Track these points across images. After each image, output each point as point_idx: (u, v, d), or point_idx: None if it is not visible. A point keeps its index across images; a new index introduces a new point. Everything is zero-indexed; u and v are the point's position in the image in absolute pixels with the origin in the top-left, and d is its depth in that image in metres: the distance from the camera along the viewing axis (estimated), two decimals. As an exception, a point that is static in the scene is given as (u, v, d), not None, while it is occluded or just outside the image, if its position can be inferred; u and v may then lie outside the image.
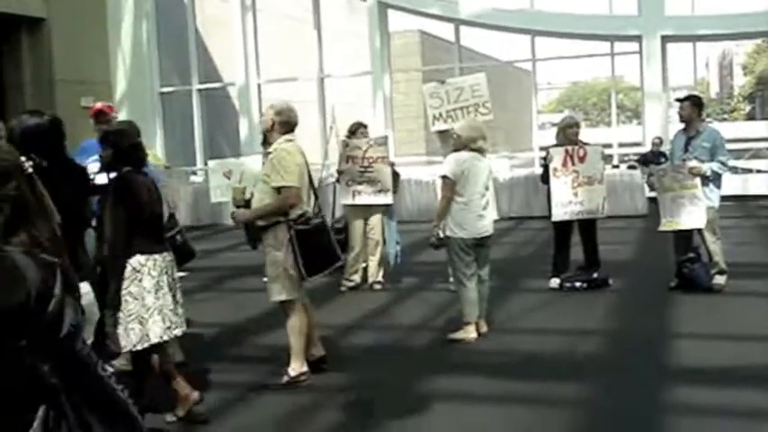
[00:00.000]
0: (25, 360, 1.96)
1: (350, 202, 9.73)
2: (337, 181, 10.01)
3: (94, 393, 2.17)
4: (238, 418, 5.49)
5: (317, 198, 6.35)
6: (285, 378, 5.98)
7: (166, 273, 5.05)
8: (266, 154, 6.15)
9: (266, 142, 6.29)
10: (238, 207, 6.19)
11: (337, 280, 9.78)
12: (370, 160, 9.49)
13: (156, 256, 4.99)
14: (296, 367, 5.99)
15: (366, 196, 9.53)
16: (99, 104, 7.36)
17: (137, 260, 4.89)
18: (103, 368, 2.22)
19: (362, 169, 9.51)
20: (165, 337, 5.02)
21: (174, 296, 5.10)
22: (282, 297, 6.01)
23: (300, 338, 6.05)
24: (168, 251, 5.20)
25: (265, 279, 10.23)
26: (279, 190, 5.88)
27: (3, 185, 2.10)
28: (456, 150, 7.19)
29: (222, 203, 11.98)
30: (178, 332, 5.18)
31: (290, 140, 6.04)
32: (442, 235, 7.10)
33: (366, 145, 9.61)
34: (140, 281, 4.89)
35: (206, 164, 20.90)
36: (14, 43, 18.40)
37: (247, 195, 6.19)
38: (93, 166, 7.19)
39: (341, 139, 10.65)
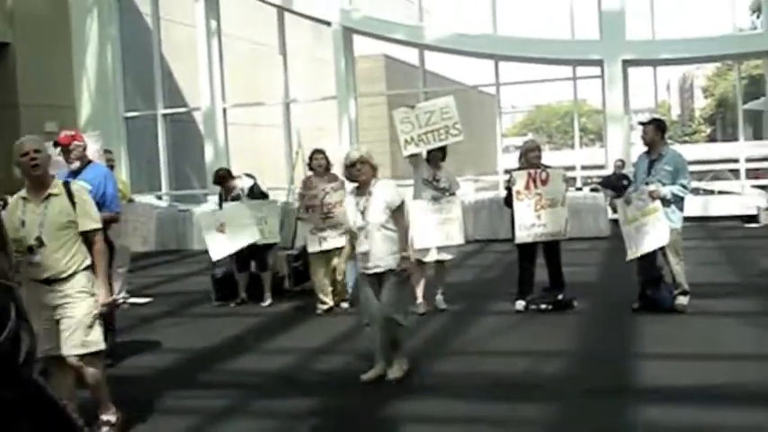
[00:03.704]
0: None
1: (317, 249, 9.77)
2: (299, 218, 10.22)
3: (51, 418, 2.18)
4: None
5: None
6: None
7: None
8: (46, 197, 5.29)
9: (40, 185, 5.35)
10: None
11: (311, 304, 9.82)
12: (330, 206, 9.54)
13: None
14: (113, 411, 5.57)
15: (332, 240, 9.52)
16: (62, 135, 7.39)
17: None
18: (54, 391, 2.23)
19: (323, 216, 9.59)
20: None
21: None
22: (103, 346, 5.42)
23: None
24: None
25: (265, 304, 10.26)
26: (86, 234, 5.39)
27: None
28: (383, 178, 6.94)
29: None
30: None
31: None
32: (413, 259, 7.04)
33: (322, 193, 9.65)
34: None
35: (170, 188, 20.91)
36: (-22, 69, 18.30)
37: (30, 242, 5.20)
38: None
39: (297, 191, 10.68)
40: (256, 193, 10.51)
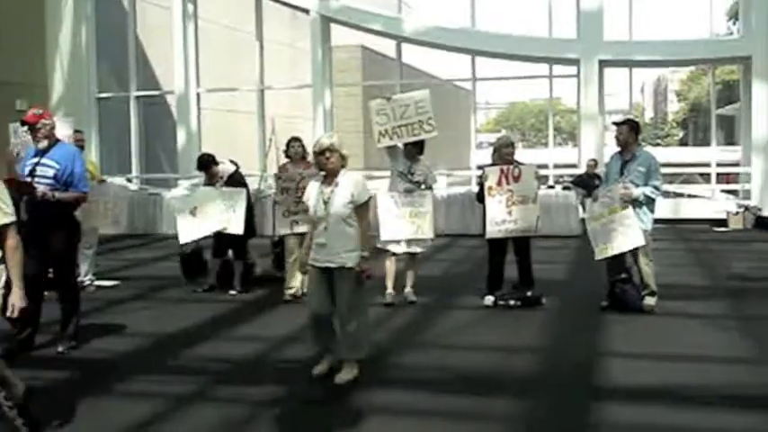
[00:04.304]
0: None
1: (288, 231, 9.79)
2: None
3: None
4: (171, 429, 5.43)
5: None
6: None
7: None
8: None
9: None
10: None
11: (281, 291, 9.78)
12: (304, 190, 9.47)
13: None
14: None
15: (303, 225, 9.45)
16: (29, 114, 7.30)
17: None
18: None
19: (297, 200, 9.44)
20: None
21: None
22: None
23: None
24: None
25: (233, 292, 10.17)
26: None
27: None
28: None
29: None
30: None
31: None
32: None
33: (299, 177, 9.63)
34: None
35: (141, 171, 20.75)
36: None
37: None
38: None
39: (274, 173, 10.66)
40: (235, 180, 10.39)
